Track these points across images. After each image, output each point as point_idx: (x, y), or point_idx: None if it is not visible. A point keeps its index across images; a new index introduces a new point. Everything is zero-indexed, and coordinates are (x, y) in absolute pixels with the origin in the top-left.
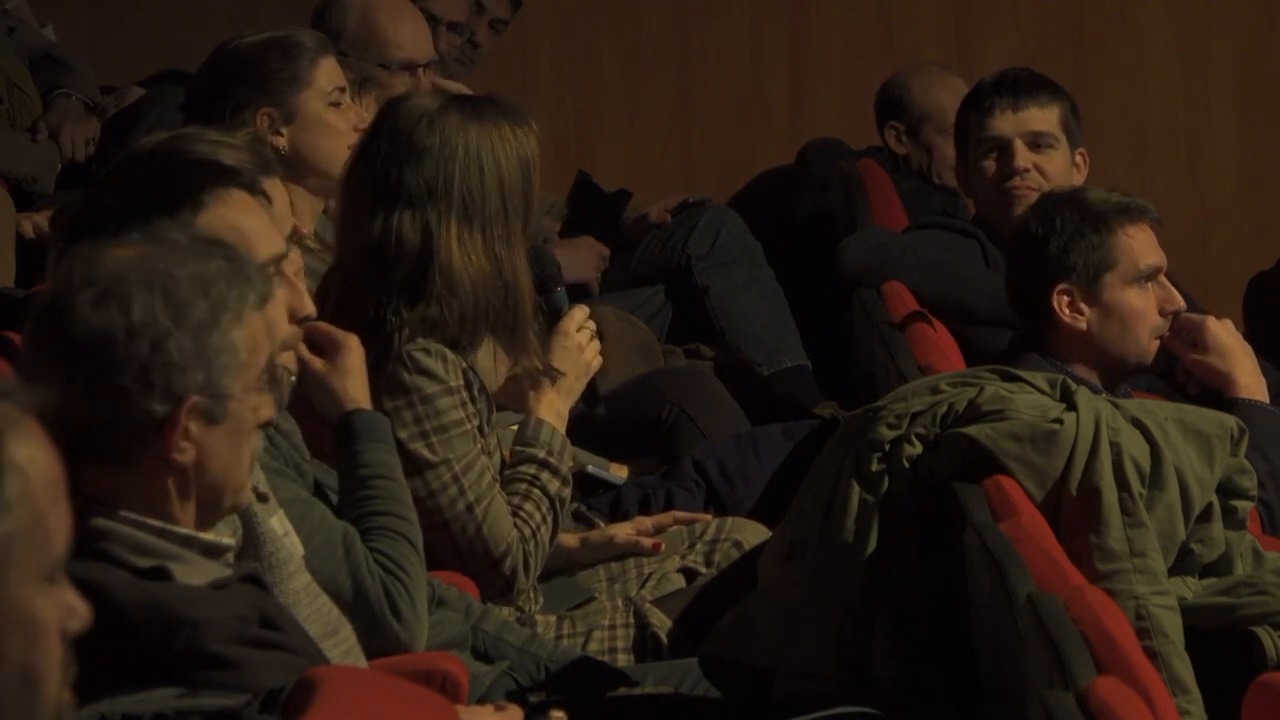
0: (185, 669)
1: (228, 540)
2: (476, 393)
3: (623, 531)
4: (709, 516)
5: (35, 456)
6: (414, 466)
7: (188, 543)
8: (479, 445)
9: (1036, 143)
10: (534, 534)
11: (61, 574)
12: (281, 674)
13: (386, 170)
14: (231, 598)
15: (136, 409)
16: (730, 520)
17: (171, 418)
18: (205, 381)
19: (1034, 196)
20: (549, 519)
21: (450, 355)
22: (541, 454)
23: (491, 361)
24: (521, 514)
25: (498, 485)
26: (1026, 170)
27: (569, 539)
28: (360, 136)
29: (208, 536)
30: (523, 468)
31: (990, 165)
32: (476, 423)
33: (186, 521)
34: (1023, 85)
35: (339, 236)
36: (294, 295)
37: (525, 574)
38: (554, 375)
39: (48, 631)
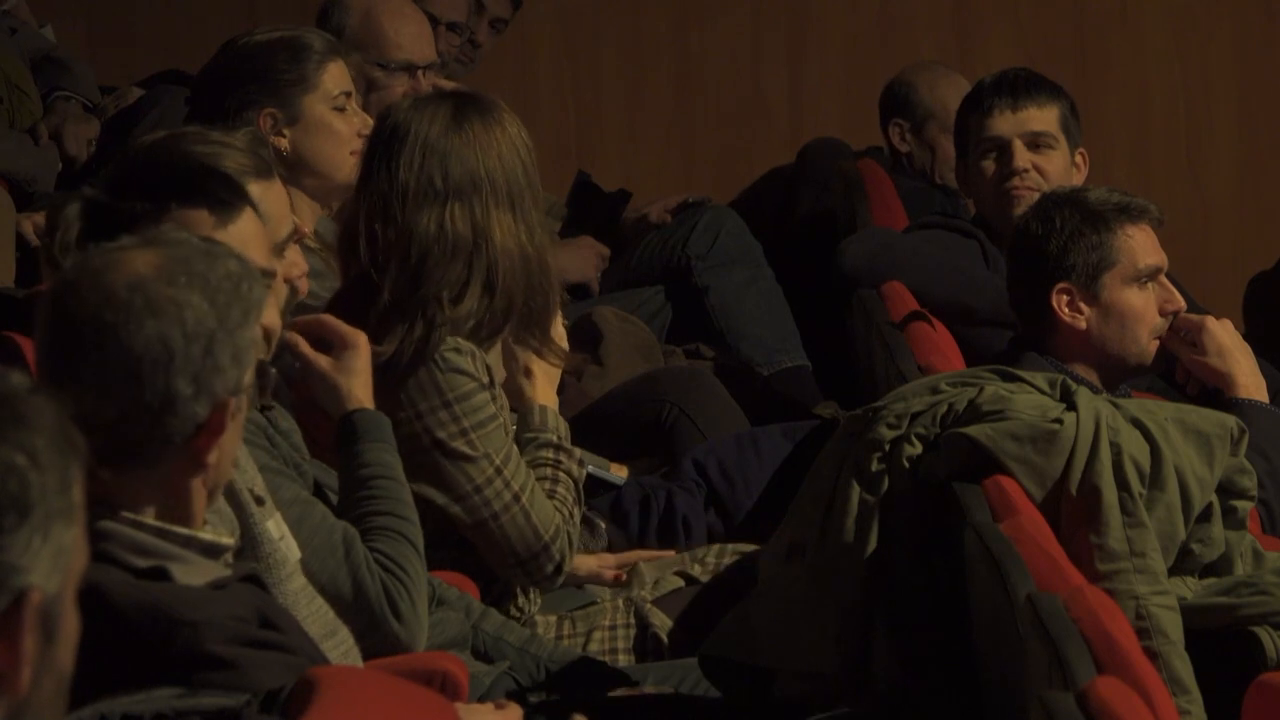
0: (184, 670)
1: (227, 540)
2: (498, 389)
3: (586, 564)
4: (673, 553)
5: None
6: (456, 463)
7: (187, 543)
8: (510, 436)
9: (1036, 143)
10: (570, 515)
11: None
12: (281, 674)
13: (422, 171)
14: (230, 598)
15: (183, 414)
16: (730, 546)
17: (212, 420)
18: (236, 382)
19: (1033, 197)
20: (578, 500)
21: (478, 352)
22: (555, 439)
23: (497, 360)
24: (557, 498)
25: (532, 474)
26: (1026, 170)
27: None
28: (365, 144)
29: (207, 536)
30: (542, 453)
31: (990, 166)
32: (502, 418)
33: (199, 516)
34: (1022, 86)
35: (354, 252)
36: None
37: (571, 554)
38: (559, 363)
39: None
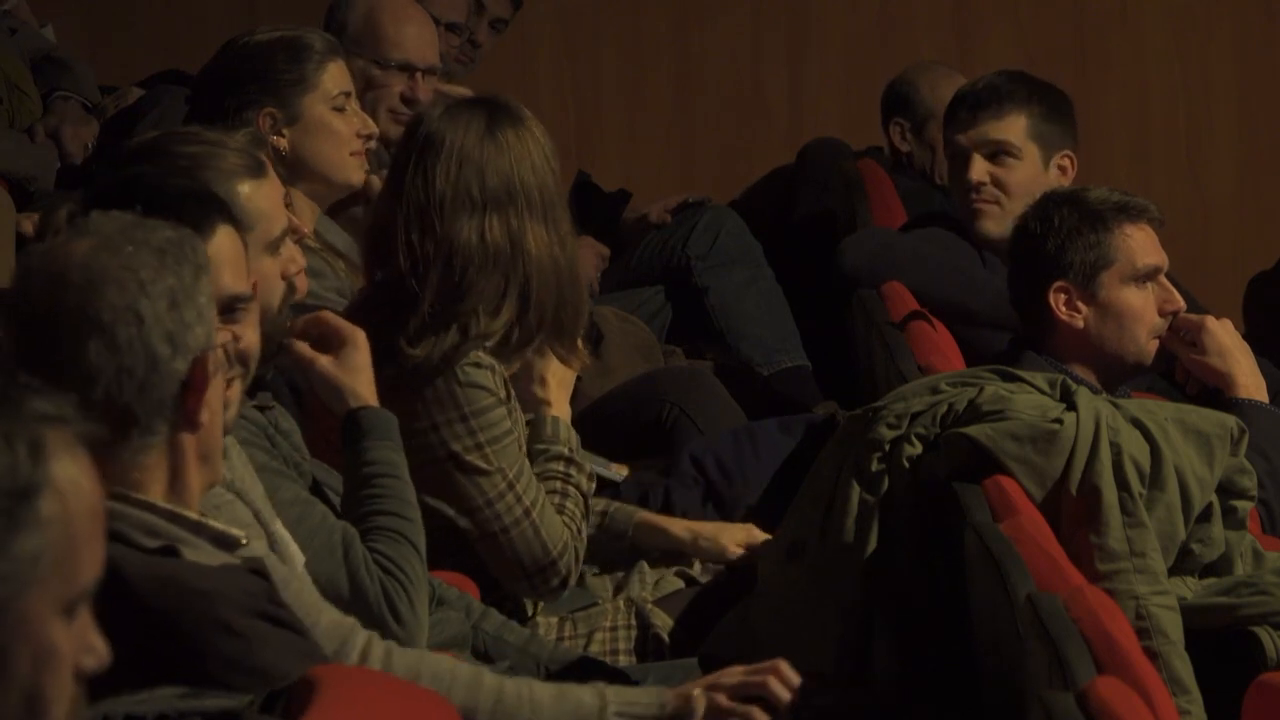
0: (195, 640)
1: (236, 532)
2: (514, 404)
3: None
4: None
5: (80, 483)
6: (470, 477)
7: (198, 530)
8: (523, 451)
9: (994, 153)
10: (579, 530)
11: (85, 608)
12: (288, 655)
13: (459, 180)
14: (242, 575)
15: (166, 372)
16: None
17: (195, 376)
18: (206, 337)
19: (993, 209)
20: (585, 514)
21: (498, 366)
22: (566, 451)
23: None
24: (566, 513)
25: (543, 488)
26: (982, 184)
27: None
28: (396, 150)
29: (217, 525)
30: (553, 466)
31: (956, 176)
32: (517, 432)
33: (196, 485)
34: (984, 97)
35: (383, 258)
36: None
37: (577, 568)
38: (580, 366)
39: (61, 662)
